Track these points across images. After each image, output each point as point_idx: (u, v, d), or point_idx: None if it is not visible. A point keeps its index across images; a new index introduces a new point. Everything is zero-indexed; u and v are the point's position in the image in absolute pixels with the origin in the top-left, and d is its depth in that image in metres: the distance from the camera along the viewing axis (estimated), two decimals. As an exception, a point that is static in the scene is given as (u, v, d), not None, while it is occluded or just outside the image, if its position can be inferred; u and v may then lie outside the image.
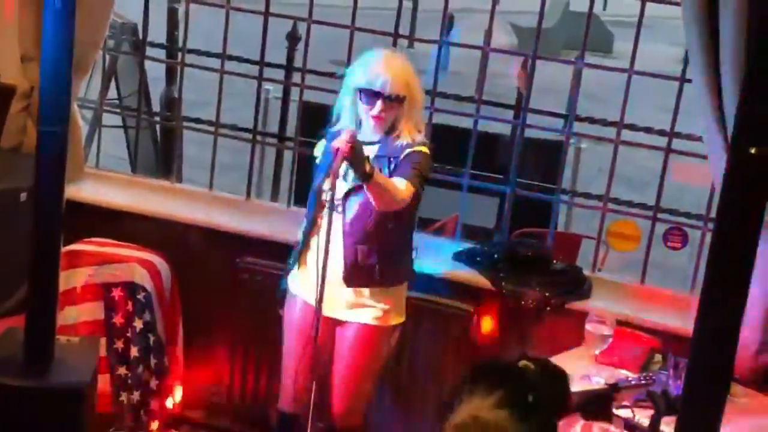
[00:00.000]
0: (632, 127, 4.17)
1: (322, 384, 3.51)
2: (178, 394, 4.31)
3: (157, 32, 5.21)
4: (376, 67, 3.37)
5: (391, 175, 3.35)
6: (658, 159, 4.07)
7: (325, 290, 3.30)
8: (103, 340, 4.09)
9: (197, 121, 4.82)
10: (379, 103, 3.34)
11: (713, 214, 3.93)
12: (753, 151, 2.38)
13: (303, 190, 4.55)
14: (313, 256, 3.43)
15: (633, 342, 3.62)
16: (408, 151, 3.39)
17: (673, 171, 3.98)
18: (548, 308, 3.90)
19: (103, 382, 4.05)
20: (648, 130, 4.19)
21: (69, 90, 3.55)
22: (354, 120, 3.45)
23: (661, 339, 3.69)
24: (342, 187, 3.37)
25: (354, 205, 3.39)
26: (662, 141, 4.09)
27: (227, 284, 4.27)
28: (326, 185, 3.26)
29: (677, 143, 4.04)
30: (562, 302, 3.89)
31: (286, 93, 6.00)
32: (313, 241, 3.44)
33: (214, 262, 4.34)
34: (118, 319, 4.14)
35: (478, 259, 4.11)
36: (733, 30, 3.02)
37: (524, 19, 17.41)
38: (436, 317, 4.01)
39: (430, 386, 4.11)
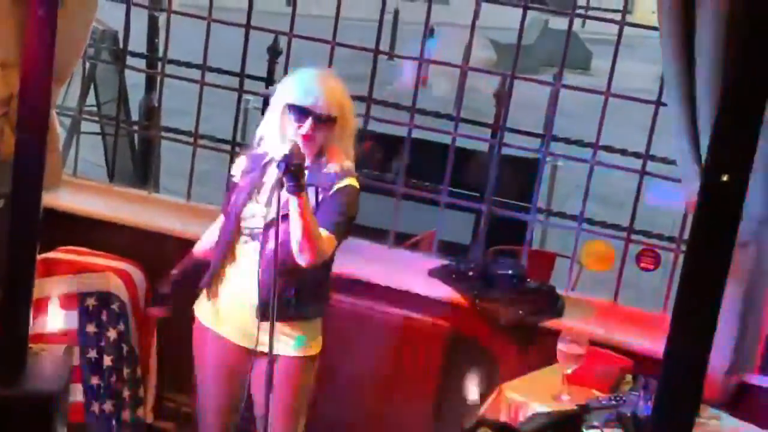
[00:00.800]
0: (608, 149, 4.22)
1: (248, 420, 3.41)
2: (150, 404, 4.30)
3: (138, 41, 5.21)
4: (308, 83, 3.17)
5: (317, 208, 3.16)
6: (634, 179, 4.12)
7: (237, 320, 3.26)
8: (76, 350, 4.08)
9: (176, 131, 4.82)
10: (309, 122, 3.13)
11: (686, 236, 3.99)
12: (725, 178, 2.42)
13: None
14: (229, 288, 3.32)
15: (604, 362, 3.65)
16: (337, 186, 3.19)
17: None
18: (522, 326, 3.93)
19: (76, 391, 4.05)
20: (623, 152, 4.24)
21: (48, 98, 3.54)
22: (280, 140, 3.17)
23: (633, 359, 3.72)
24: (263, 214, 3.21)
25: (274, 236, 3.07)
26: (637, 163, 4.13)
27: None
28: (250, 210, 3.20)
29: (652, 166, 4.09)
30: (535, 321, 3.92)
31: (266, 105, 5.98)
32: (229, 271, 3.32)
33: (190, 273, 4.33)
34: (91, 329, 4.13)
35: (453, 276, 4.14)
36: (709, 58, 3.07)
37: (503, 34, 17.52)
38: (411, 333, 4.02)
39: (407, 399, 4.12)
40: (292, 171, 2.93)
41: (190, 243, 4.29)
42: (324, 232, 3.11)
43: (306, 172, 3.02)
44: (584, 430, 3.15)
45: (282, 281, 3.12)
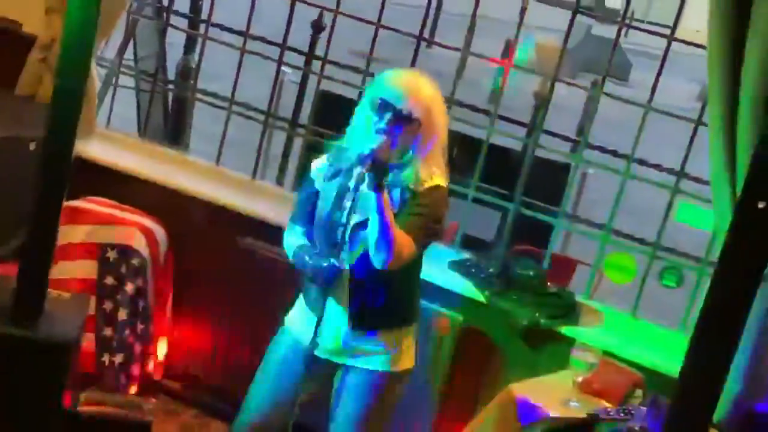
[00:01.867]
0: (642, 162, 4.19)
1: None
2: (159, 362, 4.32)
3: (180, 4, 5.21)
4: (396, 80, 3.04)
5: (399, 210, 3.03)
6: (663, 196, 4.10)
7: (325, 333, 3.13)
8: (92, 300, 4.10)
9: (212, 95, 4.81)
10: (388, 116, 2.98)
11: (711, 257, 3.97)
12: (761, 205, 2.40)
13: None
14: (317, 298, 3.16)
15: (616, 374, 3.64)
16: (422, 189, 3.05)
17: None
18: (537, 329, 3.91)
19: (88, 341, 4.07)
20: (658, 167, 4.21)
21: (91, 48, 3.54)
22: (361, 137, 3.04)
23: (645, 374, 3.70)
24: (350, 220, 3.03)
25: (361, 240, 3.03)
26: (670, 179, 4.11)
27: (223, 261, 4.29)
28: (337, 217, 3.05)
29: (685, 184, 4.07)
30: (551, 325, 3.91)
31: (305, 79, 6.00)
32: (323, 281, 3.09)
33: (212, 237, 4.35)
34: (110, 281, 4.15)
35: (473, 270, 4.13)
36: (756, 81, 3.04)
37: (545, 34, 17.44)
38: (423, 324, 4.01)
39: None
40: (375, 167, 2.87)
41: (215, 207, 4.34)
42: (406, 236, 2.99)
43: (388, 171, 2.93)
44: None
45: (371, 289, 3.09)
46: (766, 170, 2.42)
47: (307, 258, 3.15)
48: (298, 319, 3.33)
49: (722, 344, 2.71)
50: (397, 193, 3.06)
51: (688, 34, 4.12)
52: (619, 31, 4.26)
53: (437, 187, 3.09)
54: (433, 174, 3.08)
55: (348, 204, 3.03)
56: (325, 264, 3.04)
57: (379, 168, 2.87)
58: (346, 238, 3.03)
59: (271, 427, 3.31)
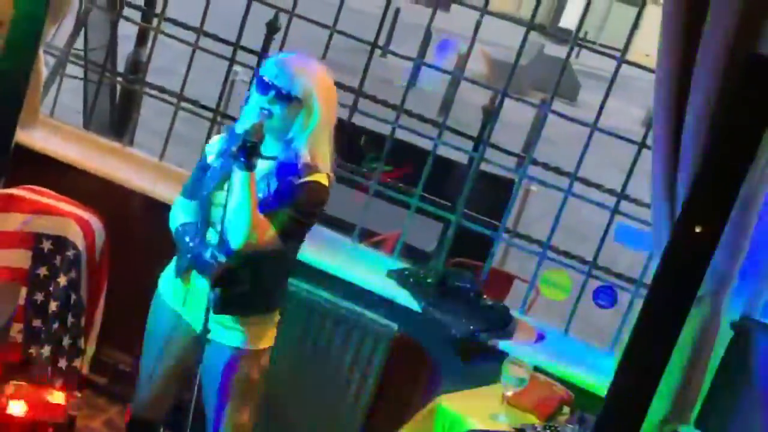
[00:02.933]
0: (585, 182, 4.24)
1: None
2: (88, 356, 4.26)
3: (136, -6, 5.17)
4: (280, 60, 3.06)
5: (271, 195, 3.06)
6: (602, 215, 4.15)
7: (195, 304, 3.22)
8: (23, 290, 4.04)
9: (161, 89, 4.77)
10: (269, 95, 3.00)
11: (647, 279, 4.02)
12: (698, 229, 2.45)
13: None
14: (191, 274, 3.27)
15: (545, 390, 3.67)
16: (300, 181, 3.06)
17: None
18: (471, 342, 3.93)
19: (16, 331, 4.00)
20: (599, 187, 4.26)
21: (40, 33, 3.51)
22: (255, 119, 3.02)
23: (574, 392, 3.74)
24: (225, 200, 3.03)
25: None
26: (611, 200, 4.16)
27: (159, 257, 4.23)
28: (218, 198, 3.07)
29: (624, 205, 4.12)
30: (485, 338, 3.93)
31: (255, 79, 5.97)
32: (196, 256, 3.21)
33: (150, 233, 4.28)
34: (42, 272, 4.07)
35: (411, 280, 4.14)
36: (700, 108, 3.09)
37: (496, 51, 17.60)
38: (358, 330, 4.02)
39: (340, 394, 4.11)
40: (247, 147, 2.87)
41: (155, 202, 4.29)
42: (265, 220, 3.01)
43: (259, 151, 2.91)
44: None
45: (238, 274, 3.08)
46: (705, 196, 2.47)
47: (187, 239, 3.24)
48: (170, 288, 3.40)
49: (652, 364, 2.76)
50: (273, 181, 3.07)
51: (638, 58, 4.20)
52: (571, 50, 4.30)
53: (315, 182, 3.09)
54: (316, 163, 3.08)
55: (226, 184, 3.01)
56: (208, 257, 3.12)
57: (250, 147, 2.88)
58: (224, 219, 2.99)
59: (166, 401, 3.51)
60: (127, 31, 6.47)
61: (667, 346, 2.72)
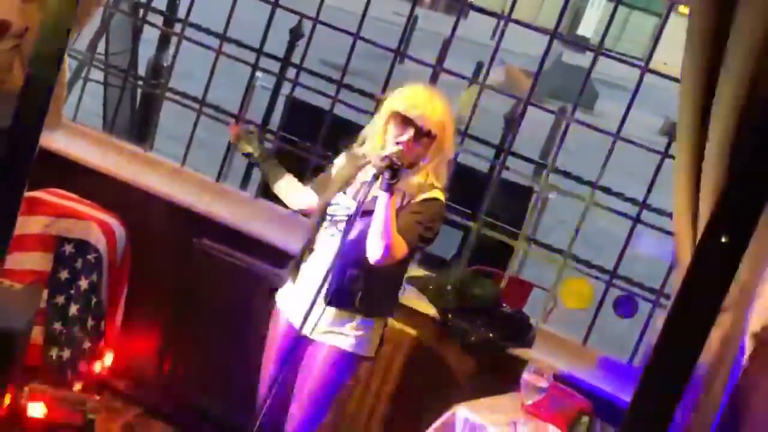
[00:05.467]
0: (606, 191, 4.23)
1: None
2: (108, 360, 4.28)
3: (158, 2, 5.17)
4: (418, 97, 3.32)
5: (398, 212, 3.27)
6: (620, 224, 4.14)
7: (306, 306, 3.25)
8: (44, 293, 4.05)
9: (183, 94, 4.78)
10: (409, 132, 3.27)
11: (667, 289, 4.01)
12: (724, 239, 2.43)
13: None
14: (305, 273, 3.44)
15: (565, 399, 3.66)
16: (422, 197, 3.32)
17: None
18: (489, 350, 3.92)
19: (37, 333, 4.01)
20: (620, 195, 4.25)
21: (66, 38, 3.52)
22: (379, 145, 3.35)
23: (593, 402, 3.72)
24: (351, 205, 3.34)
25: (357, 227, 3.27)
26: (632, 210, 4.15)
27: (180, 262, 4.26)
28: (335, 199, 3.36)
29: (646, 215, 4.11)
30: (504, 346, 3.93)
31: (278, 86, 5.99)
32: (308, 258, 3.45)
33: (171, 237, 4.32)
34: (64, 275, 4.10)
35: (430, 287, 4.14)
36: (726, 119, 3.08)
37: (514, 59, 17.56)
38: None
39: (358, 401, 4.11)
40: (393, 169, 3.13)
41: (176, 207, 4.31)
42: (401, 239, 3.22)
43: (401, 175, 3.19)
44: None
45: (354, 272, 3.30)
46: (732, 205, 2.46)
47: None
48: (290, 300, 3.51)
49: (676, 375, 2.74)
50: (399, 198, 3.30)
51: (657, 67, 4.18)
52: (595, 58, 4.29)
53: (435, 199, 3.34)
54: (434, 186, 3.35)
55: (352, 193, 3.37)
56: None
57: (393, 171, 3.15)
58: (350, 221, 3.26)
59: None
60: (148, 36, 6.51)
61: (691, 358, 2.70)
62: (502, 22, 4.32)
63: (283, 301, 3.54)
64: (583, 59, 4.47)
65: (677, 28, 3.39)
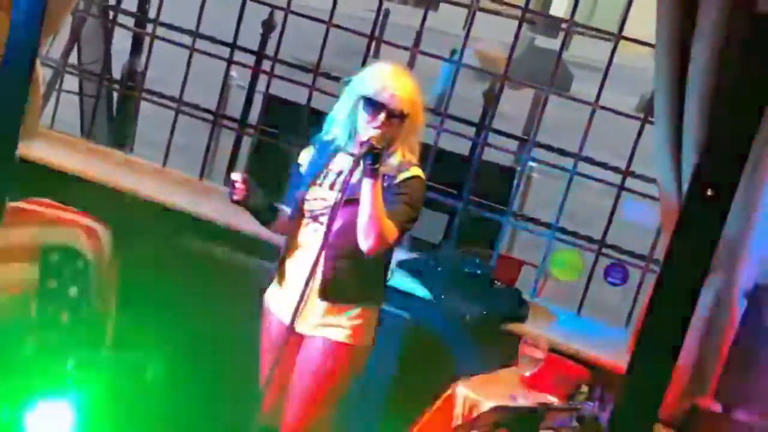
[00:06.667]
0: (589, 161, 4.24)
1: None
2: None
3: (127, 3, 5.16)
4: (385, 78, 3.24)
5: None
6: (604, 198, 4.14)
7: (294, 301, 3.23)
8: (34, 304, 4.02)
9: (159, 95, 4.77)
10: (381, 116, 3.20)
11: (656, 255, 4.02)
12: (710, 193, 2.44)
13: (257, 178, 4.56)
14: (291, 271, 3.37)
15: (563, 370, 3.67)
16: (403, 176, 3.27)
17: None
18: (484, 327, 3.93)
19: (30, 345, 3.98)
20: (604, 165, 4.26)
21: (37, 44, 3.48)
22: (348, 131, 3.31)
23: (591, 370, 3.73)
24: (328, 196, 3.29)
25: (339, 218, 3.20)
26: (616, 179, 4.17)
27: (169, 262, 4.24)
28: (309, 194, 3.28)
29: (630, 182, 4.12)
30: (498, 322, 3.93)
31: (254, 80, 5.98)
32: (291, 255, 3.38)
33: (158, 238, 4.30)
34: (52, 284, 4.06)
35: (420, 269, 4.14)
36: (703, 68, 3.09)
37: (485, 45, 17.56)
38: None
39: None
40: (372, 155, 3.09)
41: (161, 207, 4.29)
42: (391, 224, 3.18)
43: (383, 158, 3.14)
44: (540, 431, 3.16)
45: (343, 263, 3.26)
46: (715, 158, 2.46)
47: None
48: (275, 298, 3.47)
49: (671, 335, 2.74)
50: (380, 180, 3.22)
51: (630, 44, 4.19)
52: (566, 36, 4.31)
53: (416, 177, 3.30)
54: (411, 162, 3.30)
55: (326, 183, 3.30)
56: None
57: (375, 155, 3.10)
58: (331, 215, 3.19)
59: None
60: (121, 46, 6.48)
61: (684, 318, 2.70)
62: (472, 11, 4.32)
63: (272, 301, 3.48)
64: (556, 43, 4.54)
65: (649, 4, 3.41)
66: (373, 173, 3.11)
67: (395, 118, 3.22)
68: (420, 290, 4.05)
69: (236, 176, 3.28)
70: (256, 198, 3.33)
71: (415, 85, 3.29)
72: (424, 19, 4.45)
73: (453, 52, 11.49)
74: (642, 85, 13.36)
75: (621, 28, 4.10)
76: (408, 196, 3.25)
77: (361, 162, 3.12)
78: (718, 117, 2.53)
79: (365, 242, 3.17)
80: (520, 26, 4.29)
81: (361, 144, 3.13)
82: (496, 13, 4.45)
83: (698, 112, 3.12)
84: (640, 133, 4.06)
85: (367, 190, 3.12)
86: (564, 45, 4.38)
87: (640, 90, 15.26)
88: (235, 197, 3.29)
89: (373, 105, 3.21)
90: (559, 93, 4.29)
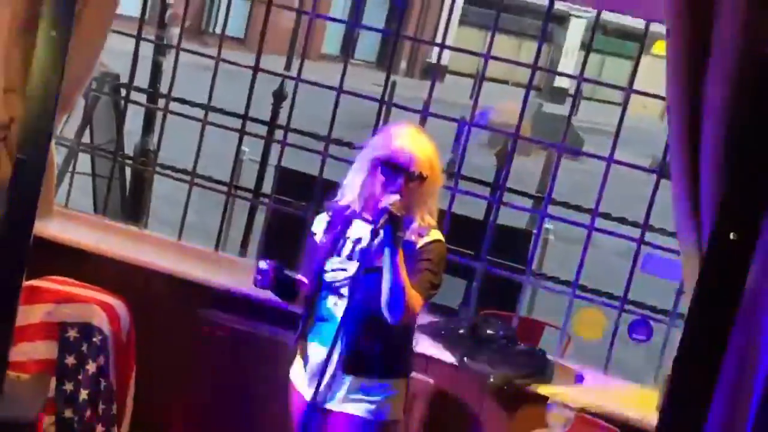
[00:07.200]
0: (606, 216, 4.21)
1: None
2: (122, 443, 4.19)
3: (140, 83, 5.21)
4: (402, 140, 3.12)
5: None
6: (622, 258, 4.10)
7: (316, 376, 3.15)
8: (52, 381, 3.98)
9: (173, 168, 4.78)
10: (400, 180, 3.08)
11: (680, 309, 3.97)
12: (732, 236, 2.41)
13: (274, 247, 4.55)
14: (312, 346, 3.24)
15: (593, 429, 3.60)
16: (424, 241, 3.14)
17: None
18: (510, 389, 3.86)
19: (48, 423, 3.94)
20: (622, 220, 4.24)
21: (52, 121, 3.52)
22: (363, 195, 3.17)
23: (621, 430, 3.66)
24: (347, 266, 3.16)
25: (361, 287, 3.10)
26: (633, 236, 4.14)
27: (187, 335, 4.19)
28: (328, 265, 3.15)
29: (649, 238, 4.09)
30: (524, 383, 3.86)
31: (267, 150, 6.01)
32: (313, 329, 3.24)
33: (175, 311, 4.26)
34: (70, 361, 4.03)
35: (442, 333, 4.09)
36: (716, 131, 3.08)
37: (494, 115, 17.71)
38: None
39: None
40: (393, 223, 2.97)
41: (178, 281, 4.26)
42: (416, 293, 3.06)
43: (403, 226, 3.03)
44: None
45: (367, 336, 3.12)
46: (736, 203, 2.44)
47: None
48: (297, 373, 3.34)
49: (699, 389, 2.69)
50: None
51: (637, 109, 4.21)
52: (573, 104, 4.35)
53: (437, 241, 3.17)
54: (431, 225, 3.18)
55: (344, 252, 3.17)
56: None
57: (395, 223, 2.98)
58: (351, 285, 3.12)
59: None
60: (132, 127, 6.55)
61: (714, 363, 2.66)
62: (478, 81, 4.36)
63: (295, 376, 3.34)
64: (564, 109, 4.56)
65: (653, 69, 3.42)
66: (394, 243, 2.99)
67: (414, 181, 3.10)
68: (442, 354, 3.99)
69: (264, 264, 3.14)
70: (280, 281, 3.19)
71: (433, 146, 3.18)
72: (432, 86, 4.44)
73: (462, 118, 11.63)
74: (653, 147, 13.40)
75: (631, 83, 4.10)
76: (430, 262, 3.12)
77: (381, 231, 3.00)
78: (735, 163, 2.52)
79: (391, 314, 3.05)
80: (528, 90, 4.30)
81: (380, 212, 2.99)
82: (503, 82, 4.45)
83: (714, 166, 3.10)
84: (656, 188, 4.03)
85: (389, 261, 3.00)
86: (573, 111, 4.38)
87: (651, 151, 15.34)
88: (261, 284, 3.16)
89: (390, 168, 3.10)
90: (573, 150, 4.26)
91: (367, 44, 27.51)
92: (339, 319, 3.11)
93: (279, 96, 5.73)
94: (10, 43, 4.15)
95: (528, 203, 5.22)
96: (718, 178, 3.18)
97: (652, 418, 3.58)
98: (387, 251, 3.00)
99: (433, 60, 26.25)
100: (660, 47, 3.39)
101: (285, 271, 3.19)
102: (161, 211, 6.27)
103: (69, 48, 3.35)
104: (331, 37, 26.88)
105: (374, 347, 3.14)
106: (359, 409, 3.17)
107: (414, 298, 3.04)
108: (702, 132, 3.24)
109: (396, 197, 3.02)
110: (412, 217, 3.14)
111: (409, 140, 3.13)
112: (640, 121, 4.88)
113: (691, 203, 3.39)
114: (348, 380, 3.16)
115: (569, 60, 31.34)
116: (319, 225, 3.32)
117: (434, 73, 4.52)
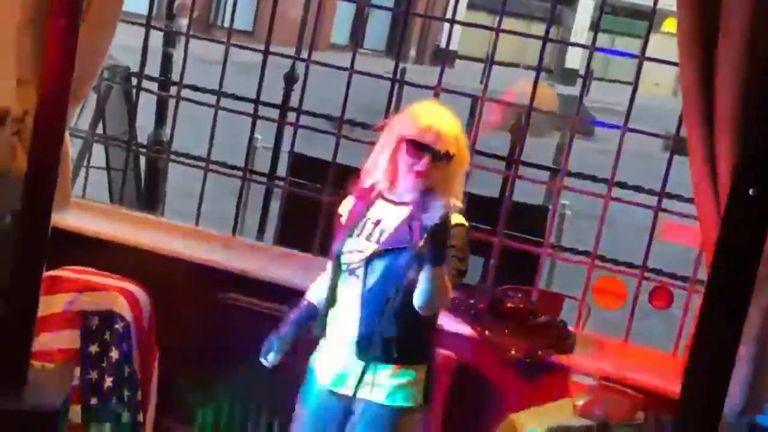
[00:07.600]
0: (623, 186, 4.20)
1: None
2: (148, 430, 4.21)
3: (149, 69, 5.23)
4: (428, 117, 3.00)
5: (427, 245, 2.85)
6: (640, 234, 4.08)
7: (337, 364, 3.12)
8: (77, 370, 4.01)
9: (186, 156, 4.79)
10: (425, 159, 2.97)
11: (699, 275, 3.96)
12: (752, 192, 2.40)
13: (290, 230, 4.56)
14: (331, 330, 3.18)
15: (616, 397, 3.59)
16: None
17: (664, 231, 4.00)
18: (532, 361, 3.86)
19: (75, 413, 3.97)
20: (638, 188, 4.23)
21: (65, 111, 3.55)
22: (388, 175, 3.06)
23: (644, 397, 3.65)
24: (364, 248, 3.08)
25: (377, 269, 3.03)
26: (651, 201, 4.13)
27: (207, 319, 4.22)
28: (345, 247, 3.09)
29: (666, 203, 4.08)
30: (546, 355, 3.86)
31: (279, 134, 6.02)
32: (331, 313, 3.18)
33: (195, 296, 4.28)
34: (94, 349, 4.06)
35: (462, 308, 4.08)
36: (731, 75, 3.07)
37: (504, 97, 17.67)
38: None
39: None
40: (437, 240, 2.81)
41: (196, 266, 4.28)
42: (449, 287, 2.95)
43: (448, 240, 2.89)
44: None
45: (385, 319, 2.98)
46: (755, 158, 2.43)
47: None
48: (322, 362, 3.25)
49: (722, 349, 2.68)
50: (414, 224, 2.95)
51: (648, 88, 4.21)
52: (584, 86, 4.34)
53: (461, 225, 3.07)
54: (456, 204, 3.06)
55: (365, 232, 3.09)
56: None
57: (441, 241, 2.83)
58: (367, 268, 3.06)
59: None
60: (145, 120, 6.56)
61: (737, 324, 2.64)
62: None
63: (315, 362, 3.27)
64: (575, 90, 4.56)
65: (663, 47, 3.41)
66: (439, 262, 2.84)
67: (440, 160, 2.99)
68: (463, 328, 3.99)
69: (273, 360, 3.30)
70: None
71: (459, 124, 3.08)
72: (441, 72, 4.42)
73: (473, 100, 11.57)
74: (665, 125, 13.37)
75: (644, 49, 4.09)
76: (456, 249, 2.99)
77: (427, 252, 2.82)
78: (755, 115, 2.51)
79: (423, 311, 2.96)
80: (538, 74, 4.29)
81: (419, 230, 2.81)
82: (514, 65, 4.44)
83: (729, 114, 3.09)
84: (671, 155, 4.02)
85: (431, 277, 2.86)
86: (583, 91, 4.38)
87: (664, 128, 15.33)
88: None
89: (416, 147, 2.99)
90: (587, 122, 4.25)
91: (376, 33, 27.48)
92: (358, 302, 3.06)
93: (290, 78, 5.73)
94: (20, 35, 4.17)
95: (544, 177, 5.18)
96: (735, 137, 3.18)
97: (675, 383, 3.58)
98: (429, 269, 2.85)
99: (443, 45, 26.25)
100: (670, 24, 3.38)
101: (287, 344, 3.28)
102: (173, 202, 6.28)
103: (79, 38, 3.38)
104: (340, 26, 26.89)
105: (392, 331, 3.02)
106: (378, 395, 3.09)
107: (449, 293, 2.95)
108: (716, 91, 3.24)
109: (443, 211, 2.82)
110: (436, 196, 2.93)
111: (436, 117, 3.03)
112: (652, 99, 4.88)
113: (707, 166, 3.39)
114: (365, 366, 3.02)
115: (578, 41, 31.35)
116: (345, 206, 3.25)
117: (443, 57, 4.47)
